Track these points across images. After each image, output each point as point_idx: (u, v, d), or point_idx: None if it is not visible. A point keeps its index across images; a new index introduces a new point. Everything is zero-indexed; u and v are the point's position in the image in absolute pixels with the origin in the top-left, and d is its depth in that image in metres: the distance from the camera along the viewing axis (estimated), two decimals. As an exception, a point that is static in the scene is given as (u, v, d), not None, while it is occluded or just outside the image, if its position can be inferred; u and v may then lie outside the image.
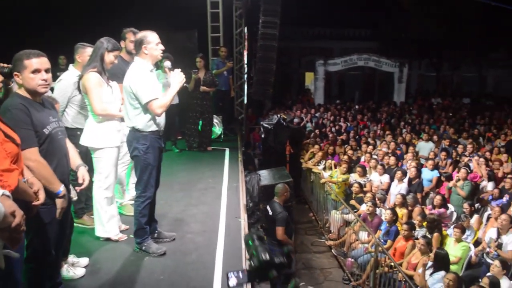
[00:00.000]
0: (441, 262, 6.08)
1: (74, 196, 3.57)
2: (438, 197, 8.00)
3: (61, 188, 2.99)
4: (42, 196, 2.70)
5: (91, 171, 4.53)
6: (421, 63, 25.47)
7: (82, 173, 3.33)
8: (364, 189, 9.09)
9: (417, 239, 6.88)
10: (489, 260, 6.26)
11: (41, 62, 2.91)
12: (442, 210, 7.83)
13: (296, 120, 14.57)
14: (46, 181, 2.87)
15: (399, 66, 19.52)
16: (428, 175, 9.16)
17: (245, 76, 11.65)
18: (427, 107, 18.48)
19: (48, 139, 2.98)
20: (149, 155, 4.12)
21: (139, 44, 4.05)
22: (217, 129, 9.65)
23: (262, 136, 11.00)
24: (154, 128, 4.12)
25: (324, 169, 10.20)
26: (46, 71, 2.95)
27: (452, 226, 7.11)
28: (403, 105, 18.59)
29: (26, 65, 2.85)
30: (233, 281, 1.86)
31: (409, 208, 7.87)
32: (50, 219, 3.00)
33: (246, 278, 1.90)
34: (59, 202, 3.00)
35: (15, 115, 2.78)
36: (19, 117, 2.80)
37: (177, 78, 4.09)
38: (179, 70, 4.15)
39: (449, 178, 8.70)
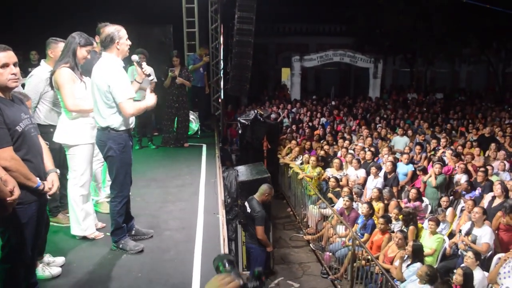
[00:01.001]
0: (417, 254, 6.18)
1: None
2: (413, 191, 8.12)
3: (39, 181, 2.97)
4: (17, 192, 2.66)
5: (65, 168, 4.45)
6: (396, 58, 25.80)
7: (52, 179, 3.22)
8: (341, 183, 9.17)
9: (393, 232, 6.99)
10: (464, 253, 6.39)
11: (8, 56, 2.82)
12: (417, 203, 7.96)
13: (273, 115, 14.59)
14: (23, 178, 2.81)
15: (374, 62, 19.75)
16: (404, 169, 9.30)
17: (221, 72, 11.60)
18: (402, 102, 18.77)
19: (22, 137, 2.91)
20: (125, 154, 4.05)
21: (110, 40, 3.92)
22: (194, 125, 9.59)
23: (239, 131, 10.99)
24: (128, 126, 4.06)
25: (302, 164, 10.25)
26: (14, 65, 2.86)
27: (427, 219, 7.24)
28: (378, 100, 18.83)
29: None
30: None
31: (385, 201, 7.98)
32: (27, 219, 2.95)
33: None
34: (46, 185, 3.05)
35: None
36: None
37: (151, 100, 4.11)
38: (152, 95, 4.14)
39: (424, 171, 8.85)
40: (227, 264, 1.83)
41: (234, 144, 12.93)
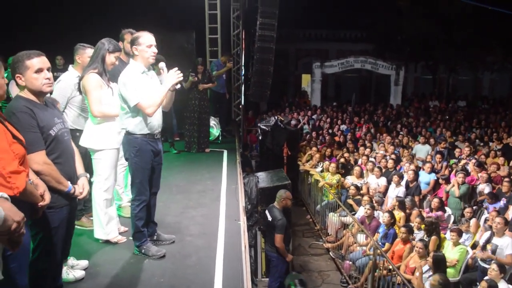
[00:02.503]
0: (438, 265, 6.09)
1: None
2: (436, 200, 8.02)
3: (70, 185, 3.02)
4: (47, 197, 2.70)
5: (90, 172, 4.52)
6: (417, 65, 25.55)
7: (83, 183, 3.27)
8: (361, 191, 9.10)
9: (413, 240, 6.90)
10: (483, 264, 6.27)
11: (42, 61, 2.88)
12: (439, 213, 7.86)
13: (293, 122, 14.57)
14: (55, 182, 2.86)
15: (396, 69, 19.59)
16: (426, 178, 9.18)
17: (243, 77, 11.64)
18: (424, 109, 18.54)
19: (55, 141, 2.96)
20: (139, 158, 4.06)
21: (131, 44, 4.01)
22: (215, 131, 9.63)
23: (260, 138, 10.99)
24: (145, 131, 4.05)
25: (322, 171, 10.20)
26: (48, 69, 2.93)
27: (449, 229, 7.12)
28: (399, 107, 18.65)
29: (28, 65, 2.81)
30: None
31: (407, 211, 7.88)
32: (58, 223, 3.00)
33: None
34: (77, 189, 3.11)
35: (20, 118, 2.74)
36: (25, 120, 2.76)
37: (170, 78, 4.01)
38: (176, 69, 4.07)
39: (447, 181, 8.72)
40: (298, 284, 1.98)
41: (254, 150, 12.94)
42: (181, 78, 4.09)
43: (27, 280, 2.66)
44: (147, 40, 3.93)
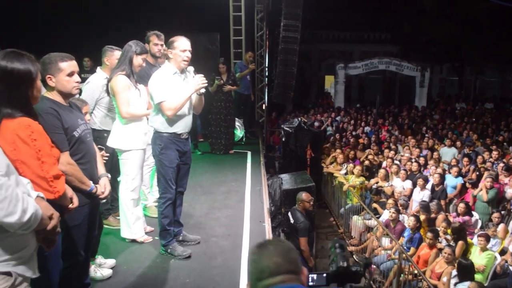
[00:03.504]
0: (466, 271, 5.96)
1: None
2: (462, 205, 7.86)
3: (92, 185, 3.07)
4: (76, 200, 2.75)
5: (116, 172, 4.58)
6: (443, 67, 25.13)
7: (104, 183, 3.31)
8: (386, 194, 8.99)
9: (440, 245, 6.78)
10: (515, 270, 6.13)
11: (74, 64, 2.95)
12: (466, 217, 7.70)
13: (316, 123, 14.50)
14: (78, 182, 2.91)
15: (421, 70, 19.29)
16: (452, 182, 9.01)
17: (266, 79, 11.65)
18: (450, 112, 18.22)
19: (78, 142, 3.01)
20: (163, 156, 4.13)
21: (167, 47, 4.14)
22: (239, 132, 9.65)
23: (283, 139, 10.97)
24: (172, 130, 4.13)
25: (346, 173, 10.12)
26: (77, 73, 2.99)
27: (477, 235, 6.98)
28: (425, 109, 18.37)
29: (61, 68, 2.86)
30: (311, 282, 2.00)
31: (433, 215, 7.75)
32: (80, 221, 3.05)
33: (324, 281, 2.03)
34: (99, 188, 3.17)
35: (46, 120, 2.77)
36: (50, 121, 2.80)
37: (193, 83, 4.09)
38: (201, 75, 4.14)
39: (474, 185, 8.55)
40: (337, 247, 2.04)
41: (276, 152, 12.92)
42: (205, 84, 4.16)
43: (57, 277, 2.71)
44: (181, 44, 4.04)
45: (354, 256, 8.53)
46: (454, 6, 20.10)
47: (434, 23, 20.10)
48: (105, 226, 4.83)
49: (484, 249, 6.53)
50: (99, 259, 3.97)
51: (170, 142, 4.13)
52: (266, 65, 11.65)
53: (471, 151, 10.78)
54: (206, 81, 4.15)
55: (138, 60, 4.36)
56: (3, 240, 1.87)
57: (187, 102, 4.12)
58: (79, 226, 3.07)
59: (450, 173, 9.28)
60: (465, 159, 10.04)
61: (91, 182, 3.07)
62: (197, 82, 4.07)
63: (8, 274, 1.90)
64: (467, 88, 24.78)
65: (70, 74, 2.90)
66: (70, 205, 2.69)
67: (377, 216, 8.35)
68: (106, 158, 3.66)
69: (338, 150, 11.47)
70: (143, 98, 4.40)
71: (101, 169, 3.34)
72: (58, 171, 2.38)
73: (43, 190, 2.26)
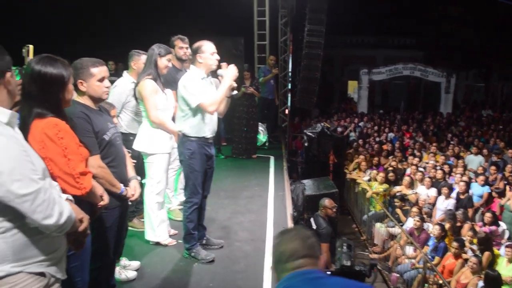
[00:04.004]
0: (493, 283, 5.83)
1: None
2: (489, 214, 7.71)
3: (123, 187, 3.11)
4: (106, 197, 2.78)
5: (142, 174, 4.62)
6: (469, 73, 24.72)
7: (134, 185, 3.34)
8: (410, 201, 8.87)
9: (465, 255, 6.64)
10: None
11: (105, 70, 2.99)
12: (493, 227, 7.53)
13: (339, 129, 14.41)
14: (109, 185, 2.95)
15: (447, 76, 19.00)
16: (479, 190, 8.84)
17: (289, 84, 11.63)
18: (476, 119, 17.88)
19: (108, 145, 3.04)
20: (193, 161, 4.14)
21: (194, 53, 4.14)
22: (262, 137, 9.65)
23: (306, 144, 10.92)
24: (201, 134, 4.15)
25: (369, 180, 10.02)
26: (107, 78, 3.04)
27: (504, 245, 6.81)
28: (450, 116, 18.07)
29: (93, 73, 2.91)
30: None
31: (458, 224, 7.61)
32: (110, 223, 3.09)
33: None
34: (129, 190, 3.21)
35: (77, 123, 2.82)
36: (81, 125, 2.84)
37: (230, 72, 4.10)
38: (233, 65, 4.18)
39: (502, 194, 8.36)
40: (345, 247, 2.26)
41: (299, 157, 12.87)
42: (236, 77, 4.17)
43: (88, 278, 2.75)
44: (210, 48, 4.08)
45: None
46: (480, 11, 19.79)
47: (460, 29, 19.81)
48: (129, 228, 4.89)
49: (511, 260, 6.38)
50: (124, 261, 4.00)
51: (200, 147, 4.15)
52: (290, 70, 11.63)
53: (499, 159, 10.55)
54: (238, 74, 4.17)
55: (163, 62, 4.39)
56: (38, 241, 1.91)
57: (225, 97, 4.13)
58: (109, 228, 3.12)
59: (476, 181, 9.10)
60: (493, 167, 9.83)
61: (121, 184, 3.11)
62: (232, 72, 4.10)
63: (42, 274, 1.94)
64: (493, 94, 24.33)
65: (101, 80, 2.95)
66: (101, 202, 2.73)
67: (400, 224, 8.24)
68: (134, 162, 3.68)
69: (362, 157, 11.37)
70: (169, 101, 4.44)
71: (131, 171, 3.37)
72: (85, 169, 2.44)
73: (70, 187, 2.32)
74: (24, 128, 2.24)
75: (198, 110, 4.06)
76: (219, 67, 4.33)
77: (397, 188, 9.43)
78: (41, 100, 2.35)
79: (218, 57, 4.14)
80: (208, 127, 4.19)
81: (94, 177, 2.87)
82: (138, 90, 4.29)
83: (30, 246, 1.88)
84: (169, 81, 4.74)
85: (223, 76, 4.25)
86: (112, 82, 4.89)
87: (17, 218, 1.82)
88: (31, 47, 3.29)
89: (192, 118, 4.09)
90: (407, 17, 23.23)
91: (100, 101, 3.06)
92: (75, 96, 2.98)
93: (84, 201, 2.53)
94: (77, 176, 2.36)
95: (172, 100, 4.50)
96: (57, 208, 1.88)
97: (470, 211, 8.34)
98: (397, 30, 24.70)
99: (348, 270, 1.69)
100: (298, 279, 1.77)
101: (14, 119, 1.90)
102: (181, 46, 5.23)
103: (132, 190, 3.28)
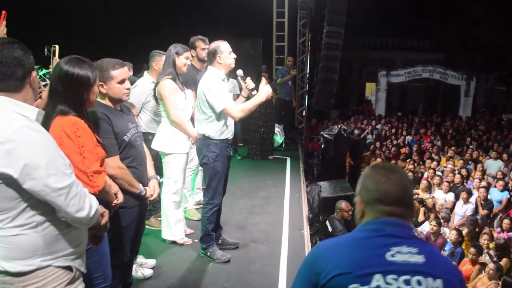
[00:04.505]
0: (511, 290, 5.74)
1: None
2: (507, 221, 7.59)
3: (142, 187, 3.13)
4: (121, 196, 2.82)
5: (160, 174, 4.67)
6: (489, 76, 24.33)
7: (154, 185, 3.37)
8: (428, 206, 8.77)
9: (482, 259, 6.55)
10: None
11: (125, 72, 3.02)
12: (511, 234, 7.42)
13: (356, 131, 14.33)
14: (128, 185, 2.98)
15: (467, 79, 18.73)
16: (498, 196, 8.70)
17: (307, 85, 11.62)
18: (495, 123, 17.59)
19: (128, 146, 3.07)
20: (218, 163, 4.16)
21: (213, 54, 4.13)
22: (279, 138, 9.66)
23: (322, 146, 10.89)
24: (224, 136, 4.18)
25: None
26: (128, 80, 3.08)
27: (523, 252, 6.71)
28: (469, 120, 17.82)
29: (113, 75, 2.94)
30: None
31: (477, 229, 7.50)
32: (128, 222, 3.12)
33: None
34: (149, 190, 3.24)
35: (98, 125, 2.86)
36: (102, 126, 2.88)
37: (265, 91, 4.11)
38: (268, 86, 4.20)
39: (522, 199, 8.24)
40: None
41: (315, 159, 12.84)
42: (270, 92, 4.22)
43: (109, 272, 2.79)
44: (227, 47, 4.12)
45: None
46: (503, 13, 19.45)
47: (481, 31, 19.51)
48: (146, 226, 4.94)
49: (531, 267, 6.28)
50: (140, 259, 4.05)
51: (223, 149, 4.19)
52: (307, 72, 11.61)
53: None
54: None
55: (181, 61, 4.42)
56: (66, 235, 1.97)
57: (254, 108, 4.16)
58: (128, 227, 3.15)
59: (495, 186, 8.97)
60: (513, 172, 9.69)
61: (140, 184, 3.15)
62: (268, 91, 4.13)
63: (69, 268, 1.99)
64: (515, 98, 23.90)
65: (121, 82, 2.98)
66: (115, 201, 2.77)
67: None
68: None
69: (379, 159, 11.29)
70: (188, 101, 4.47)
71: (150, 171, 3.40)
72: (99, 168, 2.48)
73: (83, 184, 2.36)
74: (46, 124, 2.30)
75: (222, 114, 4.08)
76: (236, 67, 4.35)
77: (414, 192, 9.35)
78: (65, 98, 2.42)
79: (235, 56, 4.17)
80: (229, 129, 4.24)
81: (113, 177, 2.91)
82: (158, 90, 4.34)
83: (60, 240, 1.95)
84: (188, 81, 4.78)
85: (241, 76, 4.28)
86: (132, 82, 4.99)
87: (48, 212, 1.88)
88: (57, 47, 3.37)
89: (216, 121, 4.11)
90: (427, 19, 22.96)
91: (121, 102, 3.10)
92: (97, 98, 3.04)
93: (99, 200, 2.58)
94: (90, 174, 2.41)
95: (191, 101, 4.53)
96: (87, 201, 1.95)
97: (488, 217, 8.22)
98: (417, 32, 24.45)
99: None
100: (398, 229, 1.58)
101: (40, 116, 1.96)
102: (203, 47, 5.21)
103: (151, 190, 3.31)
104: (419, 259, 1.52)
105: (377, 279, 1.47)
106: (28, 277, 1.86)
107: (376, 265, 1.49)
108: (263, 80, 4.31)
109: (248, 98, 4.24)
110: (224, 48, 4.11)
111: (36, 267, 1.87)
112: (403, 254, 1.51)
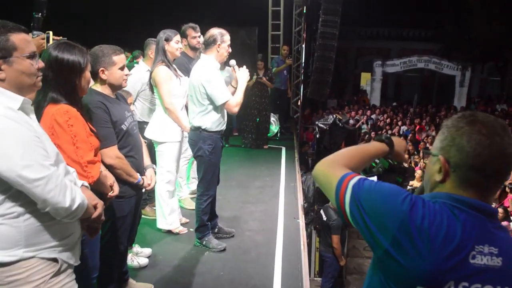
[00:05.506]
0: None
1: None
2: (501, 210, 7.64)
3: (139, 177, 3.12)
4: (116, 188, 2.79)
5: (154, 163, 4.64)
6: (484, 66, 24.36)
7: (150, 174, 3.35)
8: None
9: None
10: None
11: (124, 58, 3.00)
12: (505, 223, 7.48)
13: (351, 121, 14.34)
14: (126, 175, 2.97)
15: (462, 70, 18.78)
16: (491, 185, 8.75)
17: (302, 75, 11.57)
18: (490, 113, 17.61)
19: (126, 135, 3.04)
20: (214, 155, 4.12)
21: (213, 41, 4.02)
22: (274, 127, 9.63)
23: (317, 136, 10.88)
24: (220, 127, 4.14)
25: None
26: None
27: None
28: (464, 110, 17.87)
29: (115, 61, 2.90)
30: None
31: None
32: (126, 212, 3.11)
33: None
34: (146, 180, 3.23)
35: (95, 114, 2.82)
36: (99, 115, 2.84)
37: (244, 76, 4.11)
38: (245, 67, 4.17)
39: (515, 189, 8.30)
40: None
41: (310, 148, 12.84)
42: (249, 77, 4.21)
43: (97, 263, 2.78)
44: (228, 39, 4.07)
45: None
46: (499, 4, 19.42)
47: (477, 21, 19.49)
48: (142, 216, 4.93)
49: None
50: (136, 247, 4.05)
51: (218, 140, 4.16)
52: (303, 61, 11.56)
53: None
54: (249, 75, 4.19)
55: (172, 46, 4.35)
56: (51, 227, 1.92)
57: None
58: (125, 217, 3.13)
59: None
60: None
61: (138, 174, 3.13)
62: (246, 75, 4.12)
63: (55, 260, 1.96)
64: (509, 89, 23.96)
65: (122, 68, 2.95)
66: (110, 193, 2.74)
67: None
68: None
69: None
70: (183, 87, 4.42)
71: (146, 160, 3.39)
72: (94, 158, 2.44)
73: (77, 175, 2.32)
74: (38, 113, 2.24)
75: (220, 106, 4.03)
76: (232, 56, 4.31)
77: (410, 183, 9.40)
78: (56, 85, 2.37)
79: (230, 50, 4.14)
80: (225, 120, 4.21)
81: (112, 167, 2.89)
82: (153, 77, 4.30)
83: (43, 232, 1.90)
84: (181, 70, 4.72)
85: (233, 66, 4.24)
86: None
87: (30, 203, 1.83)
88: (51, 33, 3.32)
89: (214, 113, 4.05)
90: (423, 9, 22.90)
91: (119, 89, 3.07)
92: (92, 85, 2.97)
93: (94, 191, 2.55)
94: (84, 164, 2.37)
95: (186, 86, 4.46)
96: (68, 194, 1.88)
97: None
98: (413, 22, 24.38)
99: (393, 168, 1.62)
100: (487, 220, 1.27)
101: (28, 105, 1.89)
102: (194, 35, 5.12)
103: (148, 179, 3.29)
104: (497, 262, 1.23)
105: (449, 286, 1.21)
106: (11, 268, 1.82)
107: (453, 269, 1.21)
108: (235, 69, 4.23)
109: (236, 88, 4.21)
110: (226, 38, 4.05)
111: (19, 257, 1.83)
112: (484, 256, 1.23)
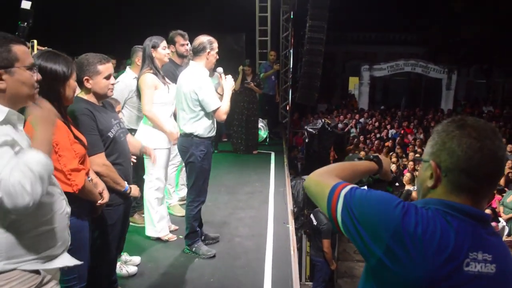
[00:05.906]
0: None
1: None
2: (488, 211, 7.71)
3: (127, 185, 3.10)
4: (106, 195, 2.77)
5: (142, 170, 4.63)
6: (470, 69, 24.67)
7: (150, 150, 3.58)
8: (412, 197, 8.86)
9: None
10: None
11: (111, 67, 2.97)
12: (493, 224, 7.55)
13: (340, 125, 14.39)
14: (113, 183, 2.95)
15: (448, 73, 18.98)
16: (479, 187, 8.83)
17: (290, 80, 11.62)
18: (477, 115, 17.85)
19: (113, 142, 3.03)
20: (205, 161, 4.13)
21: (202, 49, 4.04)
22: (263, 133, 9.65)
23: (306, 140, 10.92)
24: (211, 133, 4.17)
25: (370, 176, 10.02)
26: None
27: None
28: (451, 112, 18.06)
29: (100, 70, 2.88)
30: None
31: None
32: (114, 221, 3.09)
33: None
34: (132, 190, 3.20)
35: (82, 121, 2.81)
36: (86, 123, 2.82)
37: (229, 84, 4.15)
38: (230, 76, 4.21)
39: (502, 191, 8.38)
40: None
41: (299, 153, 12.86)
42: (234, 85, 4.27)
43: (84, 273, 2.75)
44: (217, 47, 4.09)
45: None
46: (484, 7, 19.72)
47: (463, 25, 19.75)
48: (130, 223, 4.89)
49: (511, 257, 6.39)
50: (125, 256, 4.01)
51: (210, 146, 4.18)
52: (291, 66, 11.61)
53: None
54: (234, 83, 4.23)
55: (159, 52, 4.36)
56: (30, 239, 1.88)
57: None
58: (114, 225, 3.11)
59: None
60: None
61: (125, 182, 3.11)
62: (231, 84, 4.16)
63: (37, 272, 1.92)
64: (495, 91, 24.29)
65: (107, 77, 2.93)
66: (100, 201, 2.73)
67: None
68: (134, 161, 3.65)
69: (363, 153, 11.37)
70: (171, 95, 4.42)
71: (138, 144, 3.50)
72: (78, 166, 2.42)
73: (61, 183, 2.28)
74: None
75: (210, 112, 4.04)
76: (219, 63, 4.32)
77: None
78: (39, 93, 2.32)
79: (217, 57, 4.17)
80: (215, 126, 4.24)
81: (99, 175, 2.87)
82: (139, 83, 4.30)
83: (23, 244, 1.86)
84: (168, 76, 4.72)
85: (220, 73, 4.26)
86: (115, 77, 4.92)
87: (8, 216, 1.78)
88: (35, 42, 3.31)
89: (205, 119, 4.06)
90: (409, 13, 23.15)
91: (105, 98, 3.05)
92: (79, 93, 2.96)
93: (83, 200, 2.53)
94: (68, 172, 2.35)
95: (173, 93, 4.46)
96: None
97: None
98: (399, 26, 24.61)
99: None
100: (481, 226, 1.26)
101: (14, 116, 1.85)
102: (182, 43, 5.13)
103: (135, 188, 3.28)
104: (491, 269, 1.22)
105: None
106: None
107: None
108: (222, 76, 4.27)
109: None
110: (215, 46, 4.07)
111: (0, 270, 1.80)
112: (478, 263, 1.21)
